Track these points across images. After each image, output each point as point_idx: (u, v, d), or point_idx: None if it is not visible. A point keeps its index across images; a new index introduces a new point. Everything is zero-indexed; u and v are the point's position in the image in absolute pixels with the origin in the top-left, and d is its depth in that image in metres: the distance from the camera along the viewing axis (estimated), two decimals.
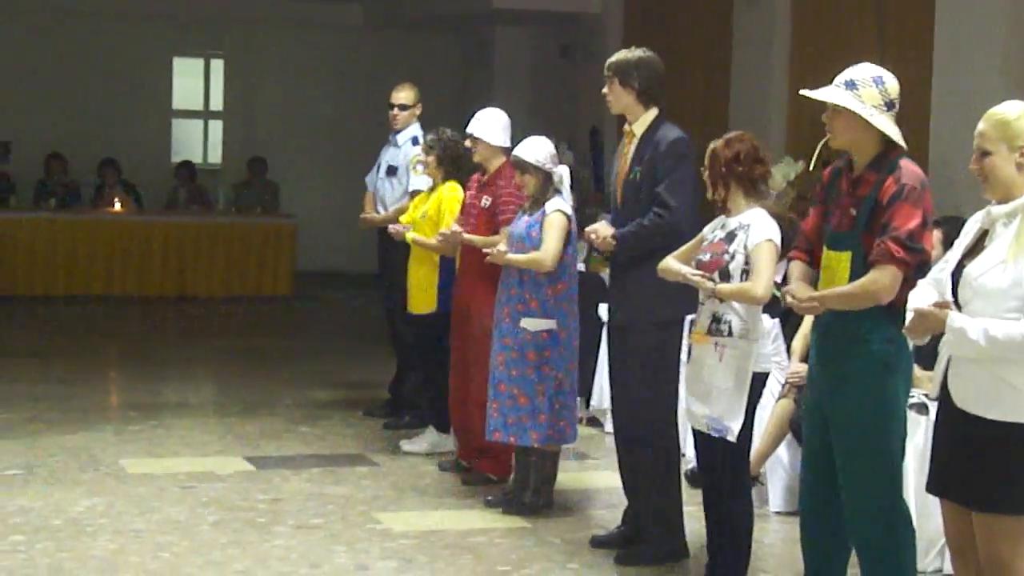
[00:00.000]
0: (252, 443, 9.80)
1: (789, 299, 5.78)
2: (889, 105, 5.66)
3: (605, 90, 7.33)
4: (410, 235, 9.25)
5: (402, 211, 9.93)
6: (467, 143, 8.86)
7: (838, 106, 5.67)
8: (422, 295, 9.33)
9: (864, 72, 5.71)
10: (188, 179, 19.67)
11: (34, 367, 12.68)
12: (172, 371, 12.90)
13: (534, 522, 7.92)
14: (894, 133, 5.64)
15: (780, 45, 13.87)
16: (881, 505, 5.65)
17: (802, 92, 5.86)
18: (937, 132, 11.19)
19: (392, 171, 10.49)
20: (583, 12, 17.89)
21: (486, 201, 8.64)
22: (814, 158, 5.97)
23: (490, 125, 8.71)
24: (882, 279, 5.51)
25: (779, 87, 13.51)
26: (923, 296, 5.28)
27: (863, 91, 5.65)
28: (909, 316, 5.24)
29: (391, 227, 9.53)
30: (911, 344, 5.58)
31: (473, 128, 8.73)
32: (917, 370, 6.58)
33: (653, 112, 7.25)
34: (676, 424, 7.19)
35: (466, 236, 8.65)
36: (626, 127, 7.35)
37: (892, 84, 5.68)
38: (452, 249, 8.89)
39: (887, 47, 12.11)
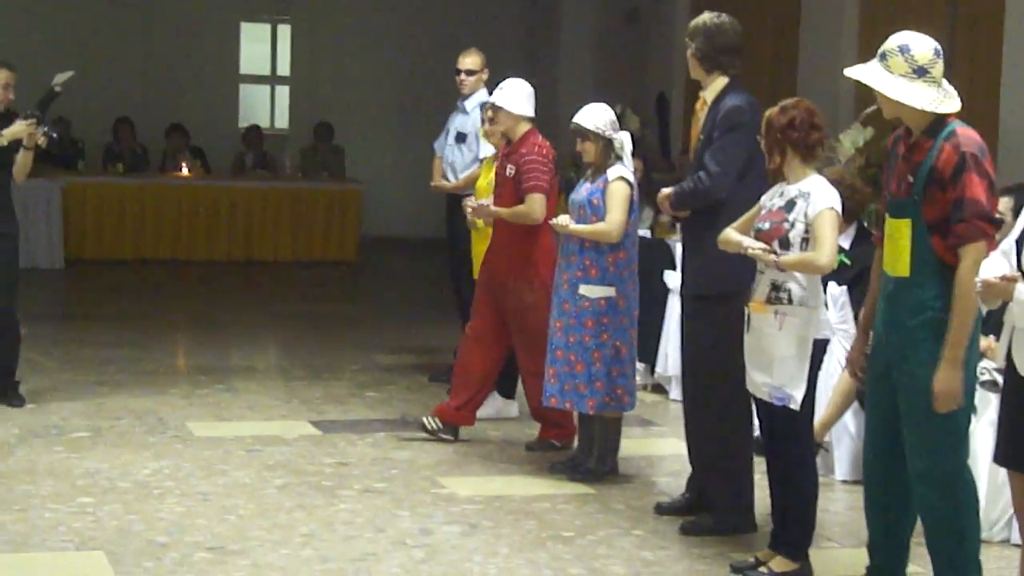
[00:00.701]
0: (317, 407, 9.85)
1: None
2: (919, 72, 5.51)
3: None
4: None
5: (472, 179, 9.93)
6: (488, 113, 8.88)
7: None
8: None
9: (893, 40, 5.59)
10: (255, 144, 19.73)
11: (102, 330, 12.77)
12: (238, 335, 12.97)
13: (598, 488, 7.92)
14: (916, 100, 5.50)
15: (850, 11, 13.76)
16: (945, 471, 5.59)
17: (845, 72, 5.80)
18: (1007, 102, 11.08)
19: (461, 138, 10.48)
20: None
21: (510, 170, 8.62)
22: (860, 118, 5.88)
23: (512, 94, 8.69)
24: (978, 260, 5.40)
25: (849, 54, 13.35)
26: (993, 267, 5.23)
27: (890, 60, 5.54)
28: (978, 286, 5.19)
29: (469, 212, 9.32)
30: (983, 310, 5.52)
31: (495, 97, 8.74)
32: (989, 340, 6.53)
33: (723, 80, 7.16)
34: (748, 395, 7.11)
35: (493, 208, 8.68)
36: (700, 93, 7.31)
37: (921, 50, 5.53)
38: (488, 220, 8.90)
39: (958, 14, 11.99)
